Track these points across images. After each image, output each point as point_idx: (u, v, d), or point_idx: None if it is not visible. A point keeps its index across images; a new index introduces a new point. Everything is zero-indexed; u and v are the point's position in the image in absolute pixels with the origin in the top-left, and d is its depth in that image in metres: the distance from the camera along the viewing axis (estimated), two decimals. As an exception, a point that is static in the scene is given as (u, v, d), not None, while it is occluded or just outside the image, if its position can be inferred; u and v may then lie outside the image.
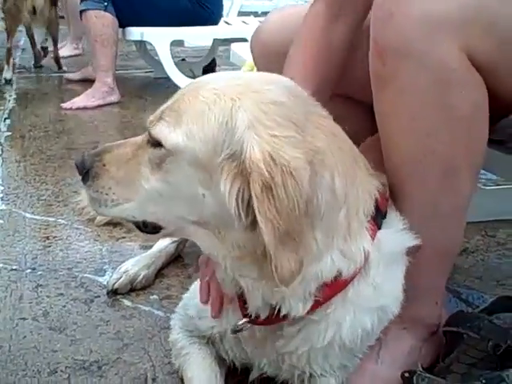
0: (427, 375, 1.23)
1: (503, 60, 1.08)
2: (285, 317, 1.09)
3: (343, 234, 1.04)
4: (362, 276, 1.10)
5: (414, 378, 1.23)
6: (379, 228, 1.11)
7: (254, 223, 0.96)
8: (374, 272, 1.10)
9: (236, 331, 1.15)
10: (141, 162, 1.06)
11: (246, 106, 0.98)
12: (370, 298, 1.11)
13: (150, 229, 1.12)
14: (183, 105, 1.03)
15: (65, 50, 5.71)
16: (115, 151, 1.11)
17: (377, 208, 1.10)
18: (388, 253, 1.12)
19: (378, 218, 1.10)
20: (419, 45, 1.06)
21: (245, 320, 1.13)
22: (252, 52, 1.71)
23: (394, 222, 1.16)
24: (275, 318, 1.10)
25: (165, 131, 1.01)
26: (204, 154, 0.99)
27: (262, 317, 1.10)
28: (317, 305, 1.07)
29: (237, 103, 0.98)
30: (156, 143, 1.03)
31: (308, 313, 1.08)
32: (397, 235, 1.14)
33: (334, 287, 1.07)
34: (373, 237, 1.08)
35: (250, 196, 0.94)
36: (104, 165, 1.10)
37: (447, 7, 1.06)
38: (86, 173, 1.10)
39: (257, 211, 0.93)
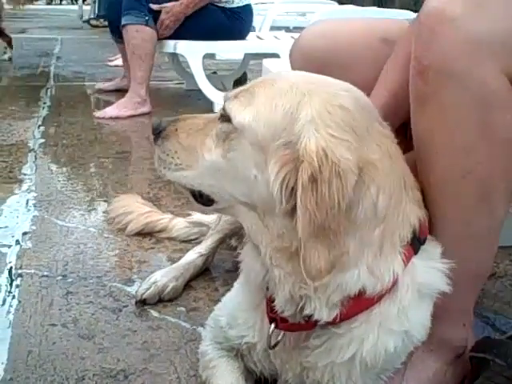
0: (452, 400, 1.23)
1: None
2: (310, 324, 1.10)
3: (374, 251, 1.05)
4: (390, 297, 1.10)
5: (439, 402, 1.23)
6: (415, 253, 1.12)
7: (293, 211, 1.00)
8: (401, 295, 1.11)
9: (273, 346, 1.17)
10: (208, 134, 1.13)
11: (314, 103, 1.03)
12: (394, 320, 1.12)
13: (205, 200, 1.18)
14: (258, 89, 1.09)
15: (120, 60, 5.77)
16: (189, 121, 1.19)
17: (416, 235, 1.11)
18: (421, 282, 1.12)
19: (415, 244, 1.11)
20: (461, 64, 1.07)
21: (273, 326, 1.15)
22: (290, 58, 1.73)
23: (434, 253, 1.17)
24: (301, 324, 1.12)
25: (237, 108, 1.08)
26: (263, 137, 1.04)
27: (287, 313, 1.11)
28: (342, 318, 1.09)
29: (305, 98, 1.04)
30: (226, 118, 1.10)
31: (333, 325, 1.10)
32: (435, 272, 1.15)
33: (360, 303, 1.08)
34: (406, 261, 1.09)
35: (295, 184, 0.99)
36: (176, 129, 1.18)
37: (490, 28, 1.07)
38: (159, 133, 1.19)
39: (298, 199, 0.97)
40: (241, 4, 4.27)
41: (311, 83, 1.09)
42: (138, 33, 4.01)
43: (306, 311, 1.08)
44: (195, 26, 4.11)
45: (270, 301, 1.14)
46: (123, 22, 4.06)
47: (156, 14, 4.06)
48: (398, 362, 1.21)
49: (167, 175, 1.19)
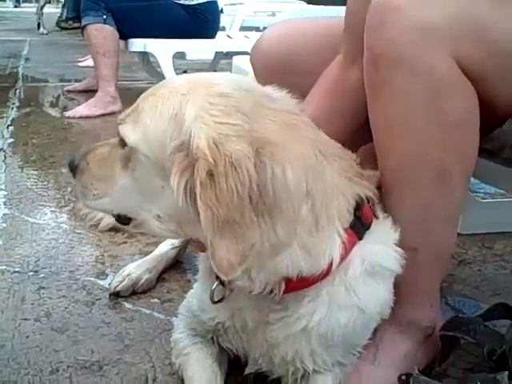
0: (424, 378, 1.25)
1: (493, 69, 1.11)
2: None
3: (308, 228, 1.03)
4: (338, 277, 1.11)
5: (411, 380, 1.25)
6: (360, 238, 1.12)
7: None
8: (350, 275, 1.12)
9: (217, 301, 1.18)
10: (114, 160, 1.15)
11: (195, 99, 1.03)
12: (342, 297, 1.13)
13: (123, 220, 1.22)
14: (142, 103, 1.11)
15: (90, 61, 5.74)
16: (96, 151, 1.21)
17: (359, 218, 1.11)
18: (369, 262, 1.13)
19: (358, 228, 1.11)
20: (410, 52, 1.09)
21: (216, 283, 1.17)
22: (252, 62, 1.74)
23: (383, 236, 1.17)
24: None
25: (127, 129, 1.10)
26: (156, 148, 1.05)
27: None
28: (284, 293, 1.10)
29: (186, 97, 1.04)
30: (123, 142, 1.11)
31: (282, 304, 1.14)
32: (384, 254, 1.16)
33: (300, 282, 1.08)
34: (347, 244, 1.08)
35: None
36: (88, 163, 1.21)
37: (437, 15, 1.09)
38: (75, 169, 1.23)
39: (198, 197, 0.96)
40: (201, 1, 4.26)
41: (189, 82, 1.09)
42: (97, 31, 4.03)
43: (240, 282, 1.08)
44: (156, 24, 4.11)
45: None
46: (83, 22, 4.09)
47: (115, 13, 4.06)
48: (362, 337, 1.24)
49: (89, 205, 1.25)
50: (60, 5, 10.51)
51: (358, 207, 1.12)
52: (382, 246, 1.16)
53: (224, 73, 1.16)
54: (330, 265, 1.07)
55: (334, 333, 1.15)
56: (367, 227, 1.14)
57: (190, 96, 1.04)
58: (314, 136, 1.09)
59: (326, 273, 1.08)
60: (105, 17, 4.02)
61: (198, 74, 1.16)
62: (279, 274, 1.06)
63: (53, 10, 10.31)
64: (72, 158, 1.25)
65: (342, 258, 1.09)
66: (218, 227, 0.96)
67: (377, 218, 1.18)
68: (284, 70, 1.60)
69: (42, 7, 9.98)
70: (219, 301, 1.18)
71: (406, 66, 1.10)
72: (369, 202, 1.15)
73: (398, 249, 1.17)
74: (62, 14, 10.35)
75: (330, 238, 1.07)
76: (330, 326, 1.14)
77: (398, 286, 1.28)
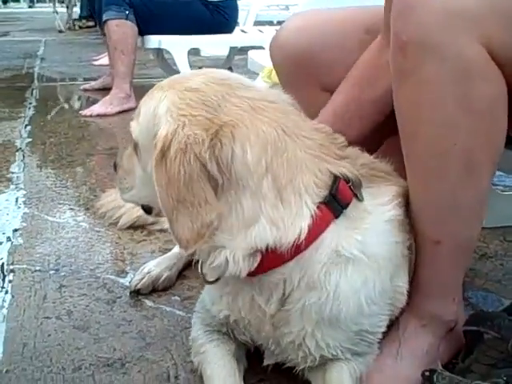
0: (447, 374, 1.23)
1: None
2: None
3: (272, 202, 1.07)
4: (307, 259, 1.12)
5: (435, 376, 1.23)
6: (336, 216, 1.12)
7: None
8: (316, 260, 1.12)
9: (211, 282, 1.21)
10: (134, 155, 1.28)
11: (169, 95, 1.14)
12: (307, 279, 1.14)
13: (147, 209, 1.38)
14: (142, 101, 1.23)
15: (105, 59, 5.78)
16: (126, 149, 1.34)
17: (334, 195, 1.11)
18: (337, 251, 1.13)
19: (332, 204, 1.11)
20: (439, 37, 1.07)
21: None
22: (271, 55, 1.73)
23: (360, 221, 1.15)
24: None
25: (132, 126, 1.23)
26: (146, 139, 1.18)
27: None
28: (260, 270, 1.12)
29: (164, 93, 1.15)
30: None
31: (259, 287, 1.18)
32: (352, 239, 1.14)
33: (272, 258, 1.10)
34: (319, 219, 1.09)
35: None
36: (122, 160, 1.37)
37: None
38: (116, 166, 1.40)
39: (155, 181, 1.07)
40: None
41: (172, 80, 1.20)
42: (118, 27, 4.02)
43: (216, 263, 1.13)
44: (177, 20, 4.11)
45: None
46: (104, 17, 4.07)
47: (137, 9, 4.06)
48: (364, 324, 1.21)
49: (124, 198, 1.41)
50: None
51: (333, 185, 1.12)
52: (352, 231, 1.14)
53: (208, 69, 1.26)
54: (301, 240, 1.09)
55: (311, 314, 1.16)
56: (344, 205, 1.13)
57: (167, 92, 1.15)
58: (279, 118, 1.12)
59: (297, 249, 1.09)
60: (127, 12, 4.02)
61: (187, 72, 1.27)
62: (249, 246, 1.08)
63: (63, 10, 10.33)
64: (116, 157, 1.40)
65: (315, 235, 1.10)
66: (173, 207, 1.05)
67: (359, 200, 1.16)
68: (302, 61, 1.59)
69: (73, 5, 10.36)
70: (215, 281, 1.20)
71: (435, 52, 1.08)
72: (348, 183, 1.15)
73: (373, 235, 1.16)
74: (70, 13, 10.39)
75: (298, 211, 1.09)
76: (305, 306, 1.15)
77: (420, 279, 1.28)
